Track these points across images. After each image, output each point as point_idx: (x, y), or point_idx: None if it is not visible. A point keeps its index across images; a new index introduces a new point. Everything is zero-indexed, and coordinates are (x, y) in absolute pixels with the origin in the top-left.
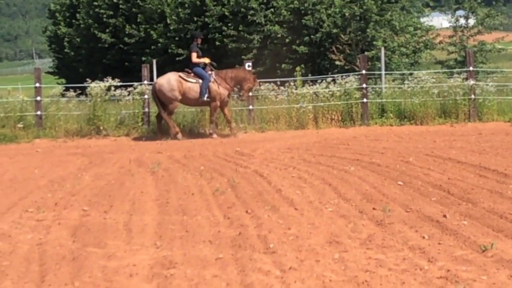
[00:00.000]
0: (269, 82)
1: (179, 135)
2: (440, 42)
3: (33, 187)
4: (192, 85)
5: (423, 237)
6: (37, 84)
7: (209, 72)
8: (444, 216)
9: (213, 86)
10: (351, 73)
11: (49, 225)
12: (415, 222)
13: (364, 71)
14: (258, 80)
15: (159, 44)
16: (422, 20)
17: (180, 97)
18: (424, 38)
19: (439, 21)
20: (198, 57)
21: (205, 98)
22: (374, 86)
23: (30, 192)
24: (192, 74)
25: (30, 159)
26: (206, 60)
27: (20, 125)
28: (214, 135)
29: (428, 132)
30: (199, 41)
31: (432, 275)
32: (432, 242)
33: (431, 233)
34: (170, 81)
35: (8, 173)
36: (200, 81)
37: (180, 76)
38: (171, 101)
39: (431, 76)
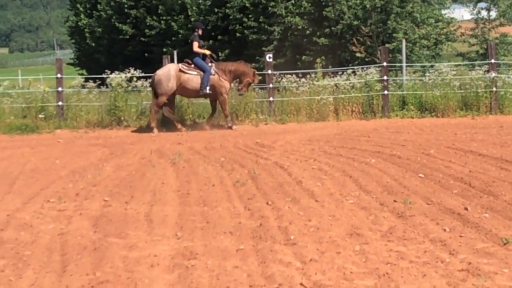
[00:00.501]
0: (290, 74)
1: (155, 130)
2: (462, 34)
3: (54, 178)
4: (192, 77)
5: (444, 230)
6: (59, 75)
7: (209, 64)
8: (466, 208)
9: (215, 79)
10: (372, 65)
11: (71, 215)
12: (436, 215)
13: (385, 63)
14: (278, 72)
15: (180, 36)
16: (443, 12)
17: (175, 88)
18: (445, 30)
19: (461, 13)
20: (199, 47)
21: (206, 91)
22: (395, 78)
23: (52, 183)
24: (193, 66)
25: (51, 149)
26: (207, 51)
27: (41, 116)
28: (234, 127)
29: (449, 125)
30: (200, 31)
31: (454, 267)
32: (453, 235)
33: (452, 225)
34: (169, 72)
35: (29, 164)
36: (202, 73)
37: (180, 67)
38: (164, 93)
39: (452, 68)
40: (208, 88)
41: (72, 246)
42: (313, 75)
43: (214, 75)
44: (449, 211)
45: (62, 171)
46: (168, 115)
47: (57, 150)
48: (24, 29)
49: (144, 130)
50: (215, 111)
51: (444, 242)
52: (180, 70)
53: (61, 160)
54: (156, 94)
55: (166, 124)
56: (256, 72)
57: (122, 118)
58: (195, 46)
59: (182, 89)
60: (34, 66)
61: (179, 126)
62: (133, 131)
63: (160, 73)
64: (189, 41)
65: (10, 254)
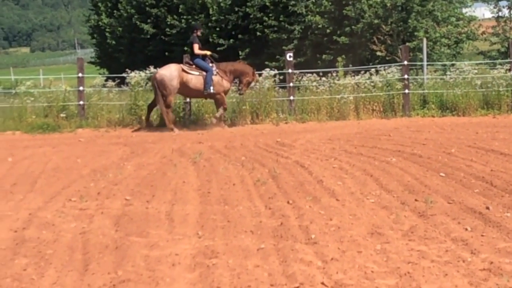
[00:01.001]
0: (311, 72)
1: (176, 130)
2: (483, 33)
3: (76, 177)
4: (194, 77)
5: (466, 229)
6: (80, 74)
7: (211, 64)
8: (487, 208)
9: (216, 79)
10: (393, 64)
11: (92, 214)
12: (457, 214)
13: (405, 62)
14: (299, 71)
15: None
16: (464, 10)
17: (178, 88)
18: (466, 28)
19: (482, 11)
20: (200, 49)
21: (210, 91)
22: (416, 77)
23: (73, 181)
24: (194, 66)
25: (72, 148)
26: (208, 52)
27: (63, 115)
28: (224, 125)
29: (470, 124)
30: (199, 32)
31: (475, 267)
32: (475, 234)
33: (474, 225)
34: (171, 71)
35: (51, 162)
36: (204, 73)
37: (182, 68)
38: (170, 93)
39: (473, 67)
40: (212, 88)
41: (94, 245)
42: (334, 74)
43: (215, 75)
44: (470, 210)
45: (84, 170)
46: (147, 116)
47: (79, 149)
48: (45, 28)
49: (165, 129)
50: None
51: (466, 241)
52: (183, 70)
53: (83, 159)
54: (162, 95)
55: (187, 124)
56: (256, 71)
57: (143, 117)
58: (196, 48)
59: (184, 89)
60: (55, 66)
61: (170, 126)
62: (154, 130)
63: (163, 72)
64: (188, 42)
65: (32, 253)
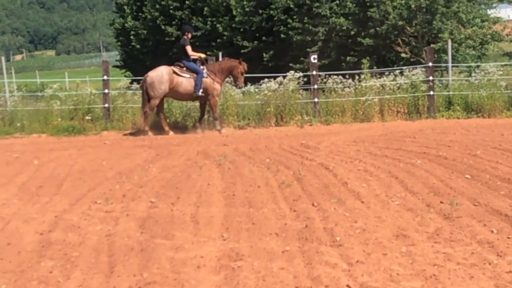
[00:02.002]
0: (336, 74)
1: (150, 133)
2: (508, 34)
3: (101, 179)
4: (184, 80)
5: (492, 231)
6: (105, 77)
7: (201, 67)
8: None
9: (208, 81)
10: (417, 66)
11: (118, 217)
12: (483, 216)
13: (430, 64)
14: (323, 73)
15: (225, 37)
16: (489, 12)
17: (168, 91)
18: (491, 30)
19: (507, 12)
20: (192, 51)
21: (199, 93)
22: (441, 78)
23: (99, 184)
24: (185, 69)
25: (98, 151)
26: (202, 54)
27: (88, 117)
28: (223, 130)
29: (496, 125)
30: (190, 35)
31: (501, 269)
32: (501, 236)
33: (499, 227)
34: (162, 74)
35: (77, 165)
36: (194, 75)
37: (173, 70)
38: (157, 96)
39: (498, 68)
40: (201, 90)
41: (119, 247)
42: (358, 76)
43: (206, 77)
44: (496, 212)
45: (109, 173)
46: (159, 117)
47: (104, 151)
48: (70, 31)
49: (189, 131)
50: (204, 114)
51: (492, 243)
52: (174, 72)
53: (108, 161)
54: (148, 97)
55: (208, 125)
56: (243, 61)
57: (167, 119)
58: (189, 50)
59: (174, 92)
60: (80, 68)
61: (166, 128)
62: (178, 133)
63: (153, 75)
64: (180, 43)
65: (58, 255)
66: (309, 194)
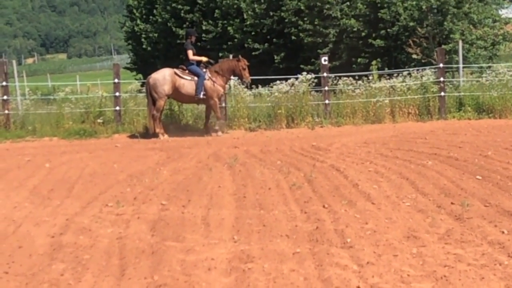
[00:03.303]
0: (346, 76)
1: (162, 136)
2: None
3: (112, 182)
4: (186, 82)
5: (503, 232)
6: (116, 80)
7: (204, 70)
8: None
9: (208, 84)
10: (428, 67)
11: (129, 219)
12: (494, 217)
13: (441, 65)
14: (334, 75)
15: (236, 40)
16: (500, 12)
17: (171, 93)
18: (502, 30)
19: None
20: (194, 54)
21: (201, 96)
22: (452, 79)
23: (110, 187)
24: (187, 71)
25: (109, 154)
26: (204, 58)
27: (99, 120)
28: (219, 133)
29: (507, 126)
30: (193, 38)
31: None
32: (511, 237)
33: (510, 228)
34: (164, 76)
35: (88, 168)
36: (196, 78)
37: (175, 72)
38: (162, 97)
39: (510, 69)
40: (202, 93)
41: (130, 250)
42: (370, 77)
43: (207, 79)
44: (507, 213)
45: (120, 175)
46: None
47: (115, 154)
48: (82, 34)
49: (200, 133)
50: (209, 117)
51: (503, 244)
52: (176, 74)
53: (119, 164)
54: (153, 98)
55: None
56: (242, 57)
57: (179, 122)
58: (190, 54)
59: (177, 94)
60: (92, 71)
61: (161, 131)
62: (189, 135)
63: (156, 76)
64: (184, 47)
65: (69, 258)
66: (320, 196)
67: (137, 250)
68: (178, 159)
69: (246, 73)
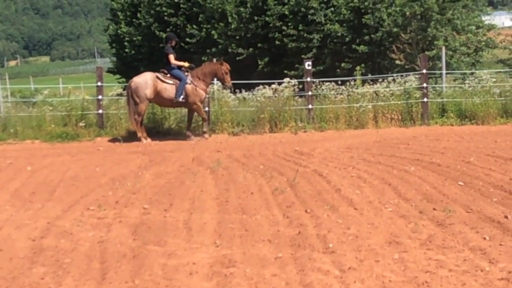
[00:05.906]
0: (329, 81)
1: (144, 140)
2: (502, 41)
3: (94, 185)
4: (168, 86)
5: (484, 238)
6: (99, 83)
7: (186, 74)
8: (506, 217)
9: (190, 88)
10: (412, 73)
11: (110, 223)
12: (476, 223)
13: (424, 71)
14: (317, 80)
15: (220, 45)
16: (483, 18)
17: (152, 97)
18: (485, 37)
19: (501, 20)
20: (176, 59)
21: (180, 99)
22: (435, 85)
23: (92, 190)
24: (169, 75)
25: (91, 157)
26: (185, 63)
27: (82, 124)
28: (206, 135)
29: (490, 132)
30: (173, 43)
31: (493, 276)
32: (493, 243)
33: (492, 234)
34: (146, 80)
35: (70, 171)
36: (178, 82)
37: (157, 76)
38: (143, 101)
39: (492, 75)
40: (182, 97)
41: (112, 253)
42: (352, 83)
43: (189, 84)
44: (489, 220)
45: (102, 179)
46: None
47: (97, 158)
48: (65, 37)
49: (183, 137)
50: (191, 122)
51: (484, 250)
52: (158, 79)
53: (101, 168)
54: (134, 102)
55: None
56: (224, 62)
57: (161, 126)
58: (172, 59)
59: (158, 98)
60: (75, 74)
61: (143, 135)
62: (172, 139)
63: (138, 80)
64: (164, 51)
65: (50, 261)
66: (303, 201)
67: (118, 254)
68: (161, 163)
69: (227, 78)
